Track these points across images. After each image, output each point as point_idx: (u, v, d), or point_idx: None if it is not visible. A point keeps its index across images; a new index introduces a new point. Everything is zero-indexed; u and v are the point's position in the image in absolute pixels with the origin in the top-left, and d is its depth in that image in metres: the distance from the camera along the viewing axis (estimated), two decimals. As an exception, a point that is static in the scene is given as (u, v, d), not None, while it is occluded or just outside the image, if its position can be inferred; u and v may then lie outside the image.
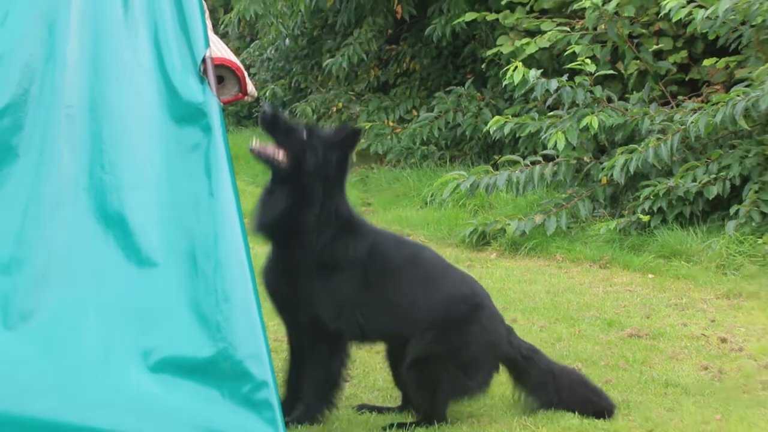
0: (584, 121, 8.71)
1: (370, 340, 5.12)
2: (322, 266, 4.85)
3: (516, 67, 8.94)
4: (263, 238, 4.92)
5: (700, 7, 8.52)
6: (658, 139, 8.48)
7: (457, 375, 4.96)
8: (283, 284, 4.90)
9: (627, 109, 8.95)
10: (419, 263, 5.06)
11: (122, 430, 4.22)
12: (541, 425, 5.01)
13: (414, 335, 4.93)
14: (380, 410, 5.19)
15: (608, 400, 5.13)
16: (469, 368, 4.98)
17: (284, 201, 4.82)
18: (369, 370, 5.79)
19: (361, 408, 5.21)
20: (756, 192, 8.09)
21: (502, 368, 5.10)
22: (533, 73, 8.91)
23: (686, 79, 9.66)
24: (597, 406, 5.07)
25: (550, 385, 5.11)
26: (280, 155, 4.80)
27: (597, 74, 9.03)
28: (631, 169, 8.50)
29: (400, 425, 4.95)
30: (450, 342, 4.94)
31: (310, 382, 4.91)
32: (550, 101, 9.16)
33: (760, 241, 7.72)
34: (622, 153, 8.60)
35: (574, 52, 9.32)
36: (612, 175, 8.61)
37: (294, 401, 4.94)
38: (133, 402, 4.25)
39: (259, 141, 4.79)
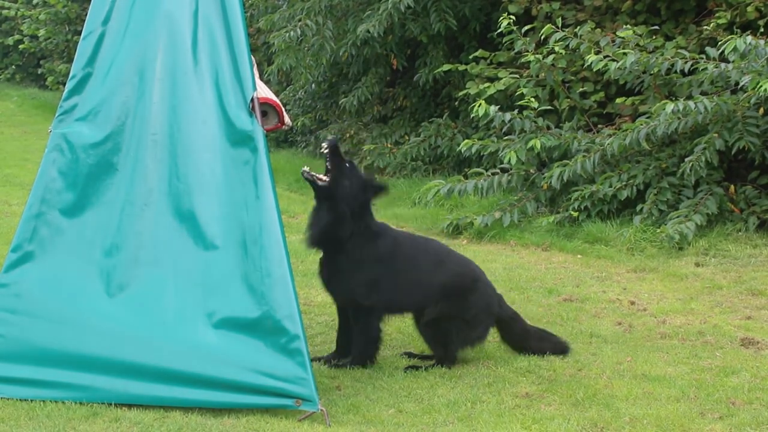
0: (530, 143, 8.66)
1: (399, 312, 5.11)
2: (355, 263, 4.84)
3: (480, 104, 8.88)
4: (316, 250, 4.95)
5: (613, 60, 8.50)
6: (584, 156, 8.44)
7: (462, 329, 4.92)
8: (333, 278, 4.92)
9: (561, 135, 8.89)
10: (428, 251, 5.04)
11: (191, 370, 4.21)
12: (500, 366, 4.97)
13: (430, 305, 4.91)
14: (422, 357, 5.13)
15: (563, 344, 5.17)
16: (471, 324, 4.94)
17: (325, 219, 4.81)
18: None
19: (404, 354, 5.19)
20: (655, 195, 8.07)
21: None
22: (493, 108, 8.85)
23: (604, 112, 9.59)
24: (557, 348, 5.12)
25: (525, 339, 5.13)
26: (324, 177, 4.80)
27: (539, 109, 8.97)
28: (565, 178, 8.46)
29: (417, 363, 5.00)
30: (456, 306, 4.91)
31: (355, 343, 4.93)
32: (505, 128, 9.10)
33: (658, 230, 7.71)
34: (557, 166, 8.56)
35: (522, 93, 9.26)
36: (551, 182, 8.56)
37: (342, 356, 4.99)
38: (200, 350, 4.24)
39: (308, 167, 4.82)
